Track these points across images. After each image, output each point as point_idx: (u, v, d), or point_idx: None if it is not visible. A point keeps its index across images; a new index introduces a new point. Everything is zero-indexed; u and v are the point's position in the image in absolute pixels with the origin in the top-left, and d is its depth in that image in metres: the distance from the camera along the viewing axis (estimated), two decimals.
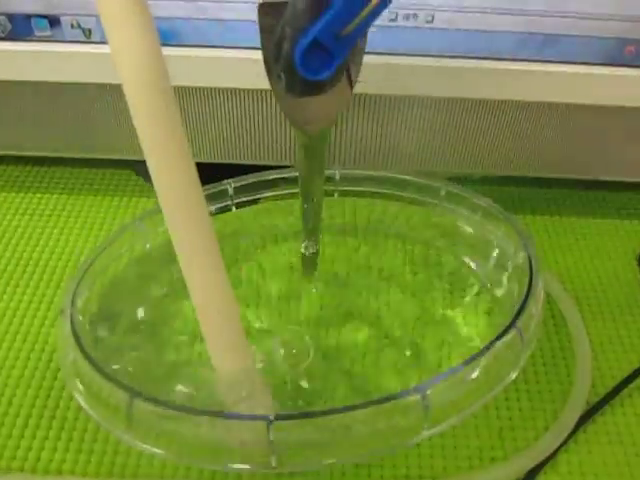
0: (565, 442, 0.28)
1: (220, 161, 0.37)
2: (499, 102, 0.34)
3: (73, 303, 0.26)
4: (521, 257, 0.29)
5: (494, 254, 0.32)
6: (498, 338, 0.24)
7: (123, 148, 0.37)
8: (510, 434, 0.29)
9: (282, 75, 0.22)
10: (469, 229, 0.33)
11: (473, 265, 0.34)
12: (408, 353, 0.31)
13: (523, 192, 0.42)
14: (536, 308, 0.26)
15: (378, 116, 0.35)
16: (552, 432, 0.29)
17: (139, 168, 0.41)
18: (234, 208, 0.34)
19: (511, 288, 0.30)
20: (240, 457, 0.23)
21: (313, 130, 0.24)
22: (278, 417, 0.22)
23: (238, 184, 0.33)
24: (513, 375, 0.25)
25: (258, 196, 0.34)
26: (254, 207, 0.34)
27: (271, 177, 0.33)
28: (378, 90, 0.33)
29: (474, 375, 0.24)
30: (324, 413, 0.22)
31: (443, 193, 0.33)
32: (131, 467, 0.28)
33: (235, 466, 0.23)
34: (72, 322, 0.25)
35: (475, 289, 0.33)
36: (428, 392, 0.23)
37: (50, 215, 0.39)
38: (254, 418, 0.22)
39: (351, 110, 0.34)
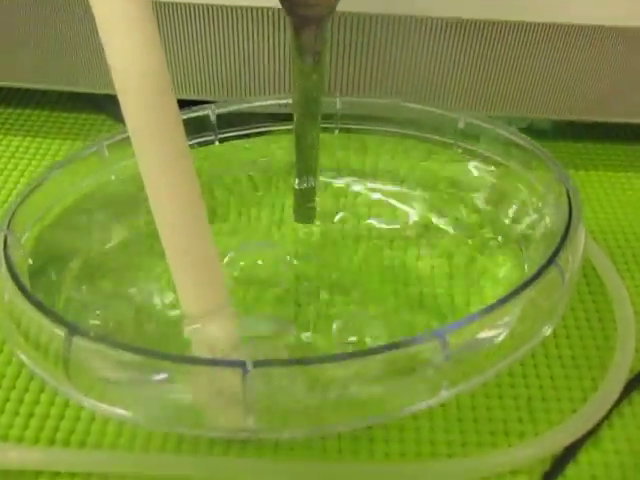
0: (607, 416, 0.24)
1: (200, 98, 0.32)
2: (528, 25, 0.29)
3: (10, 225, 0.21)
4: (552, 198, 0.25)
5: (520, 196, 0.27)
6: (535, 277, 0.20)
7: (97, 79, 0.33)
8: (541, 405, 0.24)
9: None
10: (492, 167, 0.28)
11: (494, 210, 0.29)
12: (422, 311, 0.26)
13: (551, 145, 0.37)
14: (578, 244, 0.21)
15: (381, 42, 0.30)
16: (591, 404, 0.24)
17: (115, 112, 0.36)
18: (217, 142, 0.29)
19: (540, 237, 0.26)
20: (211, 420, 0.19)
21: (312, 13, 0.20)
22: (257, 364, 0.17)
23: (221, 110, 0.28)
24: (550, 329, 0.21)
25: (246, 131, 0.30)
26: (241, 141, 0.30)
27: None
28: (384, 9, 0.28)
29: (505, 322, 0.19)
30: (317, 360, 0.17)
31: (461, 126, 0.28)
32: (95, 435, 0.23)
33: (207, 431, 0.19)
34: (6, 253, 0.20)
35: (499, 238, 0.28)
36: (448, 339, 0.18)
37: (10, 157, 0.35)
38: (227, 364, 0.17)
39: (349, 34, 0.30)
